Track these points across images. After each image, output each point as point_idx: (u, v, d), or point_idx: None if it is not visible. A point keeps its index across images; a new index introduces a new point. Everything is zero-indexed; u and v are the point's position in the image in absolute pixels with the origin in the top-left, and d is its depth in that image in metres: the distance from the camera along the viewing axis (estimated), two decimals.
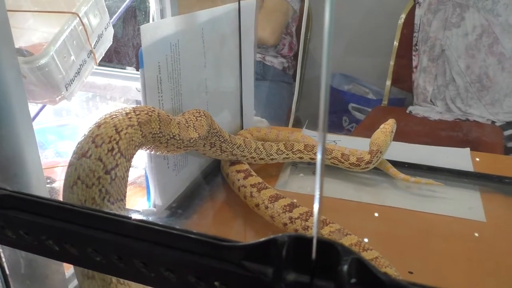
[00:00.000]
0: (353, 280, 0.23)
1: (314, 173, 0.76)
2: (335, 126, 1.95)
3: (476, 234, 0.62)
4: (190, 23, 0.61)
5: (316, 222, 0.25)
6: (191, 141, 0.56)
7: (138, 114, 0.48)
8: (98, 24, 0.52)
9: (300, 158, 0.72)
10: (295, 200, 0.58)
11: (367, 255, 0.46)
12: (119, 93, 0.77)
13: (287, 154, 0.72)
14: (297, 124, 1.30)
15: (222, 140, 0.64)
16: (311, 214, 0.54)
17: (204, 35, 0.64)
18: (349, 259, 0.23)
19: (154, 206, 0.60)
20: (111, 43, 0.56)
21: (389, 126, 0.72)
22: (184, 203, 0.65)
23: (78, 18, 0.47)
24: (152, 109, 0.50)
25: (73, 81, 0.48)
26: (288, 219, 0.55)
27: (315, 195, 0.26)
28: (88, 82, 0.79)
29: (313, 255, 0.24)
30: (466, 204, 0.67)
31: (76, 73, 0.49)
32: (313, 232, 0.25)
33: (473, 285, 0.52)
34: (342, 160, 0.71)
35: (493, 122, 1.60)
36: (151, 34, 0.52)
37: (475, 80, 1.64)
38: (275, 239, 0.24)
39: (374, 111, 1.80)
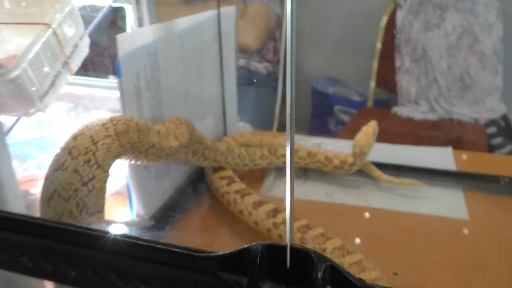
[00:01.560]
0: (328, 287, 0.23)
1: (299, 177, 0.76)
2: (321, 129, 1.95)
3: (460, 233, 0.62)
4: (169, 31, 0.61)
5: (289, 229, 0.25)
6: (172, 149, 0.55)
7: (115, 124, 0.47)
8: (73, 34, 0.52)
9: (284, 162, 0.72)
10: (278, 206, 0.58)
11: (350, 258, 0.46)
12: (101, 102, 0.76)
13: (271, 159, 0.72)
14: (283, 127, 1.30)
15: (205, 147, 0.64)
16: (295, 219, 0.53)
17: (184, 42, 0.64)
18: (324, 266, 0.23)
19: (137, 216, 0.59)
20: (87, 53, 0.56)
21: (371, 128, 0.73)
22: (168, 211, 0.64)
23: (51, 29, 0.47)
24: (130, 118, 0.49)
25: (47, 93, 0.48)
26: (272, 224, 0.55)
27: (286, 201, 0.26)
28: (70, 93, 0.78)
29: (288, 263, 0.24)
30: (449, 203, 0.68)
31: (51, 84, 0.48)
32: (287, 240, 0.25)
33: (457, 284, 0.52)
34: (326, 163, 0.71)
35: (476, 120, 1.62)
36: (128, 43, 0.52)
37: (457, 79, 1.66)
38: (248, 248, 0.24)
39: (359, 113, 1.81)
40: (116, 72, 0.50)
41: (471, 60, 1.64)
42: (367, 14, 1.87)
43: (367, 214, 0.66)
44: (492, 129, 1.59)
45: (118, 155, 0.48)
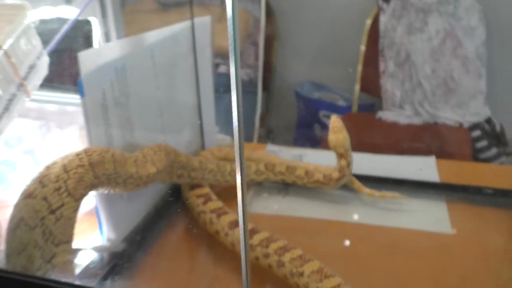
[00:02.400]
0: None
1: (279, 192, 0.73)
2: (306, 135, 1.94)
3: (443, 248, 0.60)
4: (138, 45, 0.58)
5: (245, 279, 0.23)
6: (150, 176, 0.54)
7: (89, 155, 0.47)
8: (29, 54, 0.49)
9: (283, 180, 0.71)
10: (255, 225, 0.56)
11: (328, 283, 0.44)
12: (72, 118, 0.73)
13: (268, 175, 0.71)
14: (264, 139, 1.27)
15: (191, 169, 0.63)
16: (272, 240, 0.51)
17: (155, 56, 0.62)
18: None
19: (108, 240, 0.56)
20: (47, 72, 0.53)
21: (338, 123, 0.70)
22: (141, 234, 0.61)
23: (2, 50, 0.44)
24: (106, 149, 0.49)
25: (1, 117, 0.45)
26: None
27: (239, 225, 0.24)
28: (39, 109, 0.75)
29: None
30: (432, 216, 0.66)
31: (4, 109, 0.45)
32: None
33: None
34: (306, 178, 0.69)
35: (460, 124, 1.61)
36: (91, 61, 0.49)
37: (441, 83, 1.66)
38: None
39: (344, 118, 1.78)
40: (79, 90, 0.47)
41: (455, 64, 1.64)
42: (351, 19, 1.87)
43: (347, 230, 0.64)
44: (477, 133, 1.59)
45: (92, 186, 0.48)
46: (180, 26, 0.68)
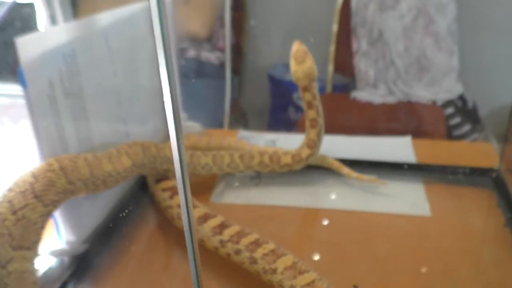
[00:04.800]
0: None
1: (252, 180, 0.70)
2: (280, 118, 1.91)
3: (422, 232, 0.58)
4: (89, 28, 0.53)
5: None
6: (127, 170, 0.53)
7: (60, 161, 0.46)
8: None
9: (289, 170, 0.67)
10: (225, 219, 0.52)
11: (303, 279, 0.41)
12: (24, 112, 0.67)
13: (272, 167, 0.65)
14: (235, 125, 1.23)
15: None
16: (243, 235, 0.48)
17: (109, 40, 0.57)
18: None
19: (67, 243, 0.52)
20: None
21: (301, 50, 0.62)
22: (105, 233, 0.57)
23: None
24: (75, 155, 0.48)
25: None
26: (218, 242, 0.49)
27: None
28: None
29: None
30: (410, 198, 0.64)
31: None
32: None
33: None
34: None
35: (434, 101, 1.61)
36: (33, 47, 0.44)
37: (414, 61, 1.65)
38: None
39: None
40: (19, 81, 0.42)
41: (427, 41, 1.62)
42: None
43: (323, 217, 0.61)
44: (450, 110, 1.59)
45: (66, 192, 0.45)
46: (137, 7, 0.63)
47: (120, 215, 0.61)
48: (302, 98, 0.63)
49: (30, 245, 0.41)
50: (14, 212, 0.40)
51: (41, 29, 0.49)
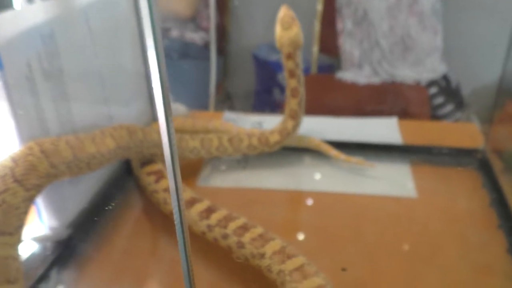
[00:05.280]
0: None
1: (238, 162, 0.69)
2: (266, 99, 1.89)
3: (409, 213, 0.59)
4: (68, 7, 0.51)
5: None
6: (111, 152, 0.51)
7: (41, 144, 0.44)
8: None
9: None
10: (212, 203, 0.51)
11: (291, 264, 0.41)
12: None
13: (262, 149, 0.65)
14: (221, 107, 1.21)
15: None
16: (230, 219, 0.47)
17: (90, 19, 0.54)
18: None
19: (50, 229, 0.51)
20: None
21: (289, 15, 0.59)
22: (89, 217, 0.56)
23: None
24: (56, 138, 0.46)
25: None
26: (206, 227, 0.48)
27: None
28: None
29: None
30: (396, 180, 0.64)
31: None
32: None
33: (411, 274, 0.49)
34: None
35: (418, 81, 1.61)
36: (9, 27, 0.42)
37: (398, 41, 1.64)
38: None
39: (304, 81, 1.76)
40: None
41: (411, 21, 1.62)
42: None
43: (311, 200, 0.61)
44: (434, 90, 1.60)
45: (50, 176, 0.44)
46: None
47: (105, 199, 0.60)
48: (284, 65, 0.60)
49: (12, 231, 0.40)
50: None
51: (17, 8, 0.46)
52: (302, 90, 0.62)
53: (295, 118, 0.63)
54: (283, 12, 0.60)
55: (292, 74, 0.60)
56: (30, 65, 0.45)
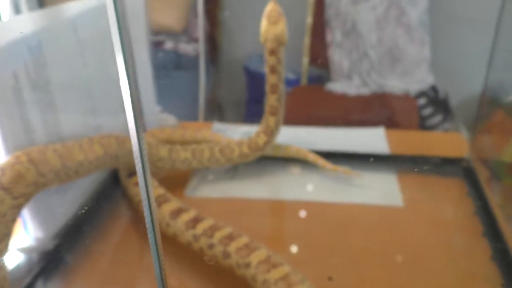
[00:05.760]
0: None
1: (226, 172, 0.69)
2: (257, 111, 1.89)
3: (395, 222, 0.59)
4: (56, 18, 0.52)
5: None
6: (100, 158, 0.51)
7: (28, 154, 0.44)
8: None
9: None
10: (199, 213, 0.52)
11: (276, 273, 0.41)
12: None
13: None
14: (210, 117, 1.21)
15: (156, 159, 0.60)
16: (216, 229, 0.47)
17: (78, 30, 0.55)
18: None
19: (36, 239, 0.51)
20: None
21: (275, 11, 0.59)
22: (76, 228, 0.56)
23: None
24: (43, 146, 0.47)
25: None
26: (192, 237, 0.49)
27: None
28: None
29: None
30: (383, 189, 0.65)
31: None
32: None
33: (398, 283, 0.49)
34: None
35: (407, 92, 1.63)
36: None
37: (387, 52, 1.67)
38: None
39: (294, 91, 1.78)
40: None
41: (399, 32, 1.64)
42: None
43: (298, 209, 0.62)
44: (422, 100, 1.62)
45: (38, 185, 0.44)
46: None
47: (92, 209, 0.59)
48: (266, 61, 0.60)
49: None
50: None
51: (4, 19, 0.47)
52: (282, 86, 0.62)
53: (275, 114, 0.62)
54: (271, 6, 0.59)
55: (273, 70, 0.60)
56: (16, 76, 0.45)
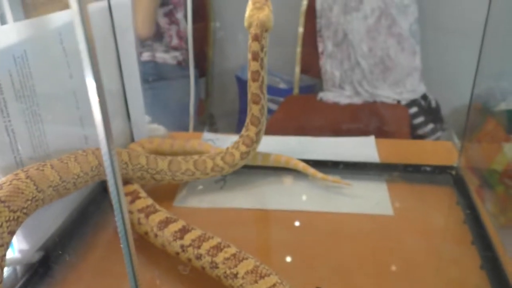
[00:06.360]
0: None
1: (216, 182, 0.69)
2: None
3: (385, 231, 0.59)
4: (41, 28, 0.51)
5: None
6: (94, 169, 0.53)
7: (26, 171, 0.46)
8: None
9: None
10: (187, 223, 0.51)
11: (264, 283, 0.40)
12: None
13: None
14: (200, 127, 1.21)
15: (154, 172, 0.60)
16: (204, 239, 0.47)
17: (64, 41, 0.55)
18: None
19: (20, 252, 0.50)
20: None
21: None
22: (63, 239, 0.55)
23: None
24: (42, 163, 0.48)
25: None
26: (179, 247, 0.48)
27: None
28: None
29: None
30: (373, 198, 0.65)
31: None
32: None
33: None
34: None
35: (398, 101, 1.64)
36: None
37: (378, 61, 1.68)
38: None
39: (286, 100, 1.78)
40: None
41: (390, 42, 1.65)
42: (287, 0, 1.83)
43: (288, 219, 0.61)
44: (414, 109, 1.62)
45: (37, 200, 0.45)
46: (94, 6, 0.61)
47: (79, 220, 0.59)
48: (248, 47, 0.58)
49: None
50: None
51: None
52: (263, 74, 0.60)
53: (258, 102, 0.61)
54: None
55: (255, 56, 0.58)
56: (1, 86, 0.45)
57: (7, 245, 0.41)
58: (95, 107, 0.19)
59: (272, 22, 0.58)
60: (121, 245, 0.23)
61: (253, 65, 0.59)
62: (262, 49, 0.58)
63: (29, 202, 0.44)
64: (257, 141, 0.63)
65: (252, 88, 0.61)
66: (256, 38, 0.57)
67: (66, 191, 0.50)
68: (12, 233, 0.42)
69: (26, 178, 0.45)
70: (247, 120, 0.63)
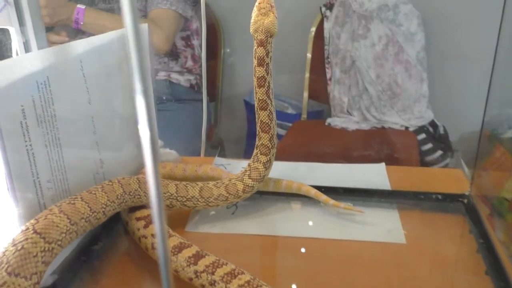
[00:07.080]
0: None
1: (228, 208, 0.69)
2: None
3: (397, 259, 0.59)
4: (63, 56, 0.53)
5: None
6: (119, 197, 0.55)
7: (59, 206, 0.48)
8: None
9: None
10: (201, 249, 0.51)
11: None
12: None
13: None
14: (212, 152, 1.21)
15: (185, 199, 0.61)
16: (218, 265, 0.47)
17: (84, 67, 0.56)
18: None
19: None
20: None
21: (267, 1, 0.58)
22: (76, 263, 0.55)
23: None
24: (73, 197, 0.51)
25: None
26: (193, 273, 0.48)
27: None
28: None
29: None
30: (385, 226, 0.65)
31: None
32: None
33: None
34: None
35: (406, 128, 1.65)
36: (6, 74, 0.43)
37: (386, 88, 1.69)
38: None
39: (294, 126, 1.79)
40: None
41: (398, 69, 1.67)
42: (296, 26, 1.87)
43: (299, 246, 0.61)
44: (422, 136, 1.63)
45: (71, 232, 0.47)
46: (113, 34, 0.63)
47: (91, 245, 0.59)
48: (254, 52, 0.58)
49: (27, 275, 0.41)
50: (14, 244, 0.42)
51: (15, 56, 0.48)
52: (269, 79, 0.60)
53: (265, 108, 0.61)
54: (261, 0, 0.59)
55: (260, 62, 0.58)
56: (24, 111, 0.46)
57: (40, 274, 0.42)
58: (144, 135, 0.19)
59: (277, 28, 0.59)
60: (161, 275, 0.24)
61: (259, 71, 0.59)
62: (267, 54, 0.59)
63: (63, 235, 0.46)
64: (273, 146, 0.63)
65: (259, 94, 0.60)
66: (262, 43, 0.58)
67: (97, 220, 0.52)
68: (46, 264, 0.44)
69: (60, 212, 0.47)
70: (257, 129, 0.63)
